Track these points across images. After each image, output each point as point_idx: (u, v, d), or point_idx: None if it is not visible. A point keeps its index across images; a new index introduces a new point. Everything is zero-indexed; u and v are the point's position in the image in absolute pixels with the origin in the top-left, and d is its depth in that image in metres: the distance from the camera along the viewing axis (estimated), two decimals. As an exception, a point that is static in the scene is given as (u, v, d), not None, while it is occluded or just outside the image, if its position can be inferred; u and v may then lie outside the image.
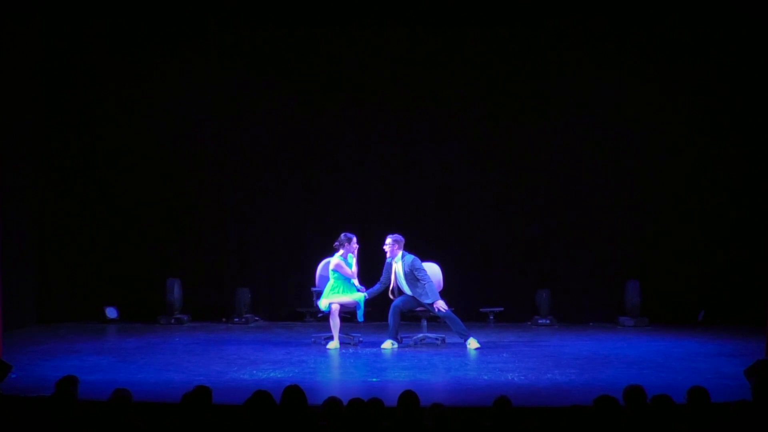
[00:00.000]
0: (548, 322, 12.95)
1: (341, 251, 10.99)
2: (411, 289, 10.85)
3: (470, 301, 12.60)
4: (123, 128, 13.40)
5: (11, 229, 11.62)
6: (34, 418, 5.93)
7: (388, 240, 10.97)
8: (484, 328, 12.61)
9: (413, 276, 10.82)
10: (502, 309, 13.22)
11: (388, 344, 10.77)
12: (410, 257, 10.90)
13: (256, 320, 13.39)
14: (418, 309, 10.98)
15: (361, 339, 11.15)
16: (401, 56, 13.32)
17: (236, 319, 13.14)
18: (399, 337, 10.92)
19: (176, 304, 13.19)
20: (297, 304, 12.99)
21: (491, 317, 13.15)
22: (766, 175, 12.79)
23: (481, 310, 13.09)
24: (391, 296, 11.00)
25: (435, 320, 11.07)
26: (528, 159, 13.38)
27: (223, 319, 13.28)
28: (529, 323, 13.08)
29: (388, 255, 10.97)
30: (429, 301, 10.76)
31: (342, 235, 11.06)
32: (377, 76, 13.33)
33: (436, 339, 11.03)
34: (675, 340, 11.46)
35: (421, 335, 11.03)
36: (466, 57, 13.33)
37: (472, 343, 10.73)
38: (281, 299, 13.46)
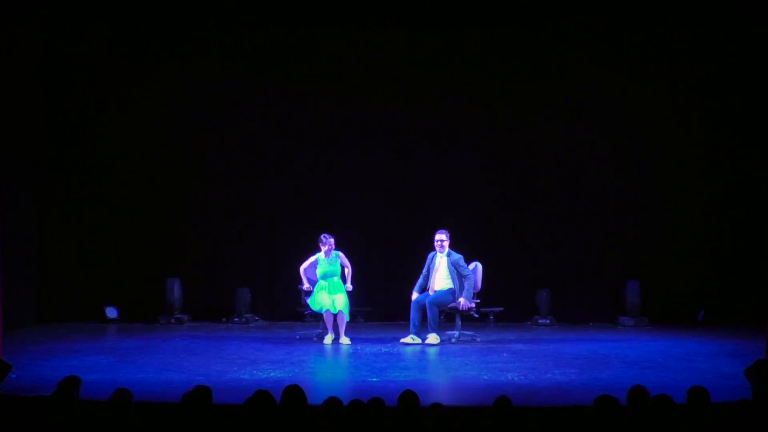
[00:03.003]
0: (548, 322, 12.96)
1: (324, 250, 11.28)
2: (451, 284, 11.12)
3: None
4: (123, 128, 13.41)
5: (12, 229, 11.62)
6: (34, 418, 5.93)
7: (443, 236, 11.14)
8: (484, 328, 12.61)
9: (457, 272, 11.10)
10: (502, 309, 13.22)
11: (408, 339, 11.02)
12: (457, 255, 11.18)
13: (256, 320, 13.40)
14: (450, 306, 11.23)
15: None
16: (401, 56, 13.32)
17: (236, 319, 13.15)
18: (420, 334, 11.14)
19: (176, 304, 13.20)
20: (297, 304, 12.97)
21: (491, 317, 13.15)
22: (766, 175, 12.79)
23: (481, 309, 13.06)
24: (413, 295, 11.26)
25: (449, 317, 11.38)
26: (528, 159, 13.38)
27: (223, 319, 13.28)
28: (529, 323, 13.09)
29: (439, 249, 11.16)
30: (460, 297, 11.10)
31: (323, 235, 11.29)
32: (377, 76, 13.32)
33: (472, 336, 11.25)
34: (675, 340, 11.46)
35: (457, 333, 11.22)
36: (466, 57, 13.33)
37: (432, 339, 10.97)
38: (281, 299, 13.46)
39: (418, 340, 10.99)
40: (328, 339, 11.08)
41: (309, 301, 11.34)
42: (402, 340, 11.00)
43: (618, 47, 13.10)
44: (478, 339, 11.30)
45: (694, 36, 12.94)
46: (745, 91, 12.90)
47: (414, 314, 11.09)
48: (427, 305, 11.03)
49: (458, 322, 11.29)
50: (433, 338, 10.96)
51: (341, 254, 11.36)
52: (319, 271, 11.31)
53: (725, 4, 12.65)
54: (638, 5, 12.90)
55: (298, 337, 11.41)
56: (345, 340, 11.10)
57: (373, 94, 13.34)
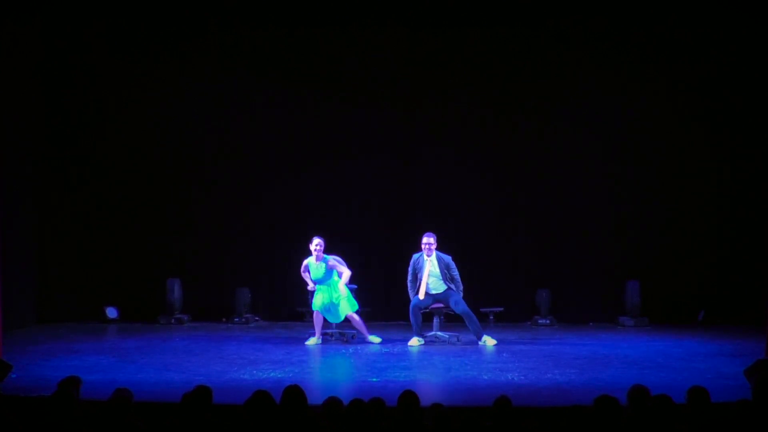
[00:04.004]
0: (548, 322, 12.96)
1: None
2: (445, 285, 11.00)
3: (470, 301, 12.55)
4: (123, 128, 13.42)
5: (12, 229, 11.62)
6: (34, 418, 5.93)
7: (432, 239, 11.04)
8: (485, 329, 12.60)
9: (449, 273, 11.00)
10: (502, 309, 13.22)
11: (414, 341, 10.93)
12: (447, 256, 11.09)
13: (256, 320, 13.40)
14: (434, 306, 11.12)
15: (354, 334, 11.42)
16: (401, 56, 13.32)
17: (236, 319, 13.15)
18: (423, 334, 11.10)
19: (176, 304, 13.20)
20: (297, 304, 12.98)
21: (491, 317, 13.15)
22: (766, 175, 12.79)
23: (481, 310, 13.06)
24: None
25: (448, 318, 11.28)
26: (528, 159, 13.38)
27: (223, 319, 13.28)
28: (529, 323, 13.08)
29: (426, 253, 11.07)
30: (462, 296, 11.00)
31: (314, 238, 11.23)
32: (377, 76, 13.32)
33: (450, 337, 11.14)
34: (675, 340, 11.46)
35: (432, 333, 11.16)
36: (466, 57, 13.33)
37: (489, 341, 10.89)
38: (281, 299, 13.46)
39: (422, 341, 10.99)
40: (311, 341, 11.07)
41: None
42: (409, 344, 10.96)
43: (618, 47, 13.11)
44: (461, 339, 11.23)
45: (694, 36, 12.95)
46: (745, 91, 12.90)
47: (414, 319, 11.04)
48: (462, 315, 10.95)
49: (436, 320, 11.22)
50: (490, 340, 10.94)
51: (332, 259, 11.20)
52: (312, 276, 11.28)
53: (725, 4, 12.65)
54: (638, 5, 12.90)
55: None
56: (374, 339, 11.13)
57: (373, 94, 13.34)
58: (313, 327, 11.27)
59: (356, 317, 11.17)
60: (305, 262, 11.29)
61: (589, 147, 13.27)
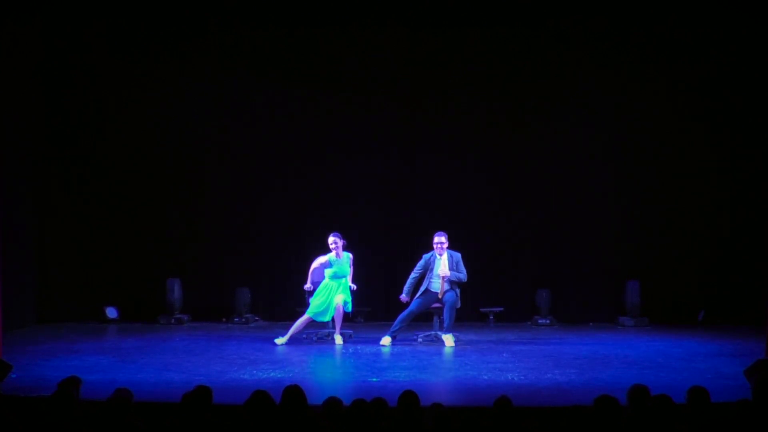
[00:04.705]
0: (548, 322, 12.96)
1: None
2: (447, 285, 11.01)
3: (470, 301, 12.58)
4: (123, 128, 13.41)
5: (12, 229, 11.62)
6: (34, 418, 5.93)
7: (443, 238, 11.06)
8: (484, 328, 12.62)
9: (456, 267, 11.02)
10: (502, 309, 13.23)
11: (386, 340, 10.98)
12: (457, 253, 11.12)
13: (256, 320, 13.40)
14: (434, 306, 11.10)
15: (351, 334, 11.48)
16: (401, 56, 13.32)
17: (236, 319, 13.15)
18: (396, 336, 11.10)
19: (176, 304, 13.20)
20: (297, 304, 12.97)
21: (491, 317, 13.16)
22: (766, 175, 12.80)
23: (481, 310, 13.10)
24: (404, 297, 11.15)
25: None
26: (528, 158, 13.38)
27: (223, 319, 13.28)
28: (529, 323, 13.09)
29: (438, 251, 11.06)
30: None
31: (335, 236, 11.20)
32: (377, 76, 13.32)
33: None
34: (675, 340, 11.46)
35: (432, 333, 11.14)
36: (466, 57, 13.33)
37: (449, 341, 10.85)
38: (281, 299, 13.46)
39: (391, 341, 10.98)
40: (280, 340, 11.03)
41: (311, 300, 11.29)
42: (381, 342, 10.96)
43: (618, 47, 13.11)
44: (460, 338, 11.21)
45: (694, 36, 12.95)
46: (745, 91, 12.91)
47: (401, 323, 11.03)
48: (445, 302, 10.92)
49: (436, 321, 11.21)
50: (450, 340, 10.90)
51: (351, 256, 11.29)
52: (329, 272, 11.18)
53: (725, 4, 12.65)
54: (638, 5, 12.90)
55: (314, 339, 11.38)
56: (338, 339, 11.11)
57: (373, 94, 13.34)
58: (325, 327, 11.30)
59: (341, 311, 11.11)
60: (325, 258, 11.18)
61: (589, 147, 13.28)
